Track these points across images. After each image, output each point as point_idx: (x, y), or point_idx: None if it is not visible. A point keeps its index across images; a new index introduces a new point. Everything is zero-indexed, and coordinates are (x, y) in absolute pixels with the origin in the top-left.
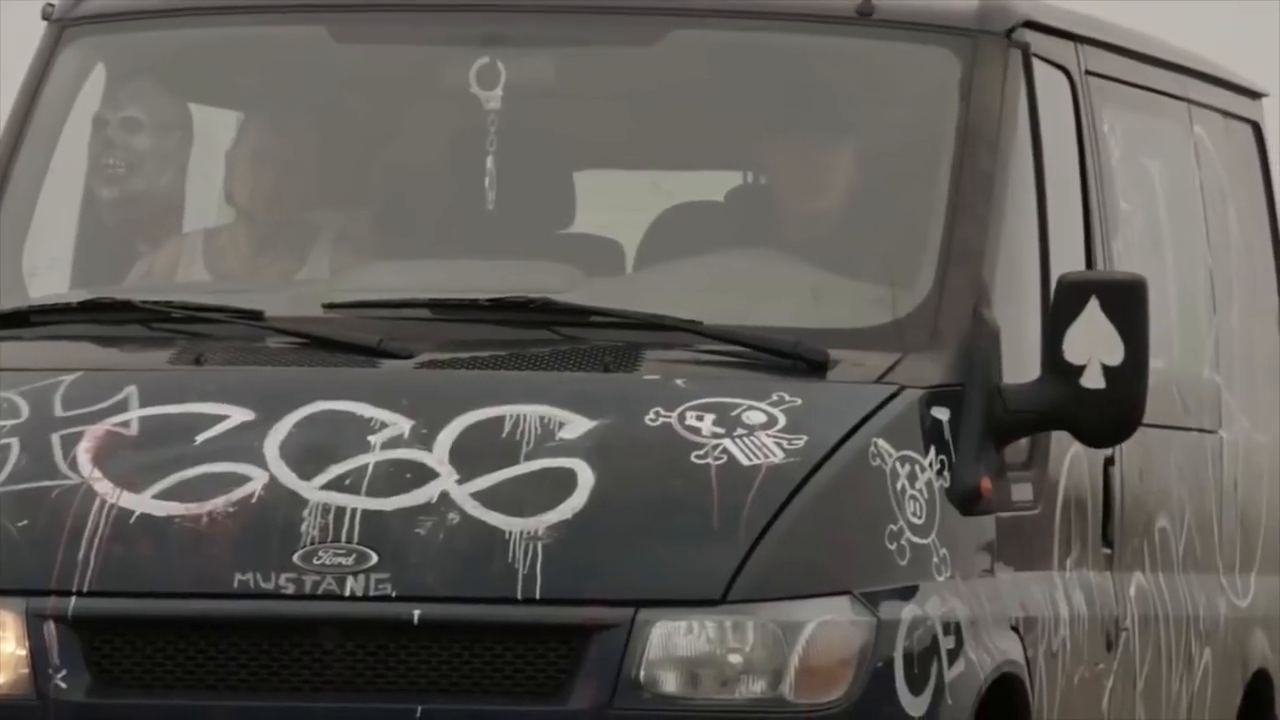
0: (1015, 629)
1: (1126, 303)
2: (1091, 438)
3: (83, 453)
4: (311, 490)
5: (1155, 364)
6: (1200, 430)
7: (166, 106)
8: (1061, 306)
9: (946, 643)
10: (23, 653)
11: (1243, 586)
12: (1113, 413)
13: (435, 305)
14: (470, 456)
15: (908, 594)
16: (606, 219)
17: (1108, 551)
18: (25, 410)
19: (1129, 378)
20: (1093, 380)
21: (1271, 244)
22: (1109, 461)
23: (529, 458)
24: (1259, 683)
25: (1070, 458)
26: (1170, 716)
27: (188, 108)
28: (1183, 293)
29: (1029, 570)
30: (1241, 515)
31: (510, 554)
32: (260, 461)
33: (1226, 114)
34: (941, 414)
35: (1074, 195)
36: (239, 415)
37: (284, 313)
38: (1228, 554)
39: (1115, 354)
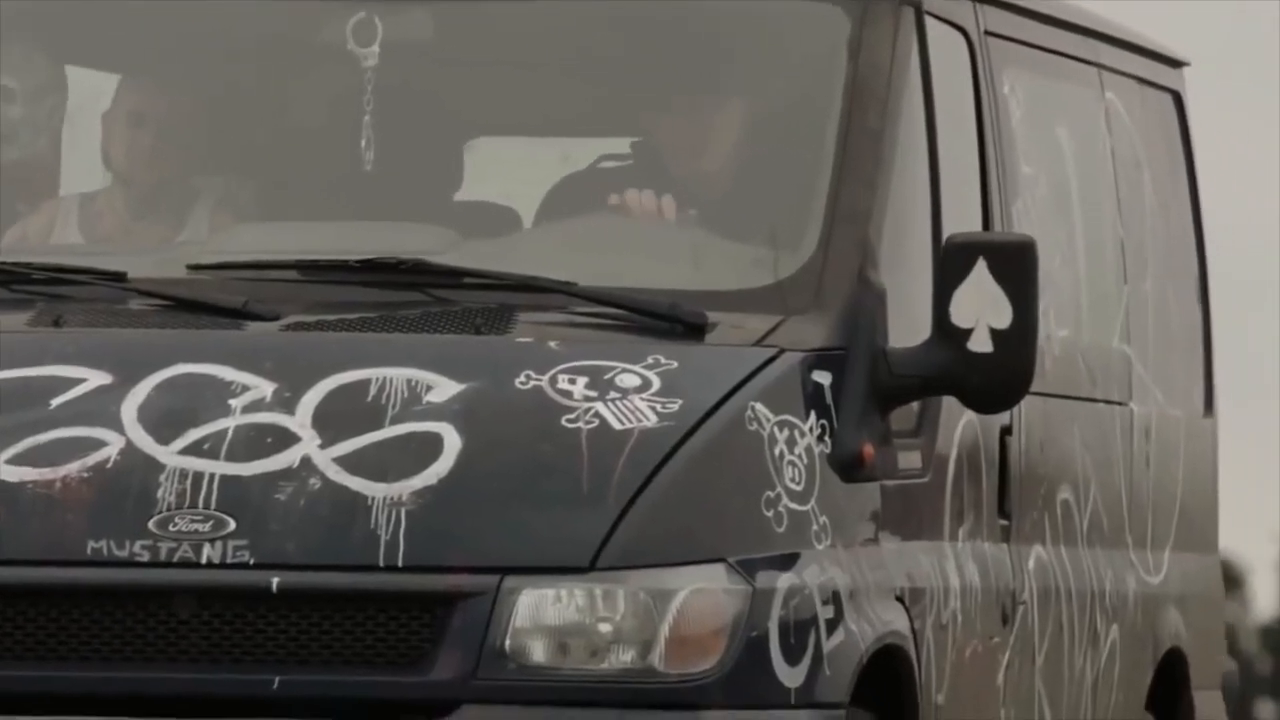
0: (900, 600)
1: (1015, 265)
2: (978, 403)
3: None
4: (169, 455)
5: (1061, 333)
6: (1108, 402)
7: (40, 71)
8: (948, 268)
9: (825, 613)
10: None
11: (1155, 563)
12: (1000, 377)
13: (303, 267)
14: (334, 420)
15: (785, 562)
16: (508, 188)
17: (1004, 523)
18: None
19: (1017, 342)
20: (980, 344)
21: (1191, 214)
22: (1006, 430)
23: (394, 422)
24: (1172, 662)
25: (963, 425)
26: (1073, 694)
27: (63, 71)
28: (1092, 261)
29: (917, 540)
30: (1154, 490)
31: (372, 520)
32: (117, 425)
33: (1143, 81)
34: (823, 378)
35: (971, 157)
36: (96, 378)
37: (149, 275)
38: (1138, 529)
39: (1003, 317)
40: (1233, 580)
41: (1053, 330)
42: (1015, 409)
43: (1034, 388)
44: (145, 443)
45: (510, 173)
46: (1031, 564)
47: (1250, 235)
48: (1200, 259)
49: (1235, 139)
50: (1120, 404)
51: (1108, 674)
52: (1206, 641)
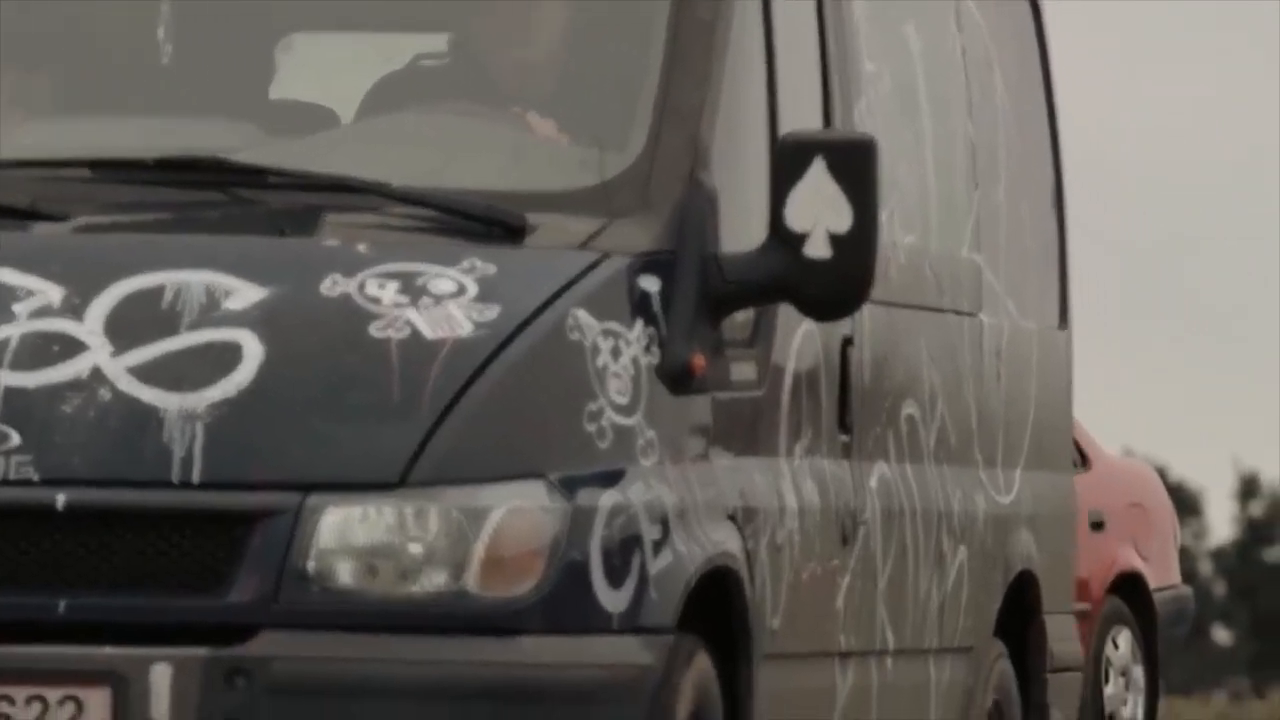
0: (733, 519)
1: (854, 164)
2: (816, 310)
3: None
4: None
5: (906, 239)
6: (957, 312)
7: None
8: (784, 168)
9: (651, 532)
10: None
11: (1005, 482)
12: (838, 284)
13: (96, 165)
14: (126, 327)
15: (608, 479)
16: (329, 90)
17: (845, 439)
18: None
19: (856, 246)
20: (818, 249)
21: (1046, 119)
22: (848, 341)
23: (191, 329)
24: (1022, 585)
25: (801, 335)
26: (918, 619)
27: None
28: (940, 164)
29: (751, 456)
30: (1006, 406)
31: (166, 434)
32: None
33: None
34: (650, 284)
35: (810, 53)
36: None
37: None
38: (988, 447)
39: (842, 220)
40: (1188, 506)
41: (897, 236)
42: (857, 319)
43: (878, 296)
44: None
45: (330, 75)
46: (874, 482)
47: (1108, 141)
48: (1055, 165)
49: (1094, 41)
50: (970, 315)
51: (954, 598)
52: (1058, 564)
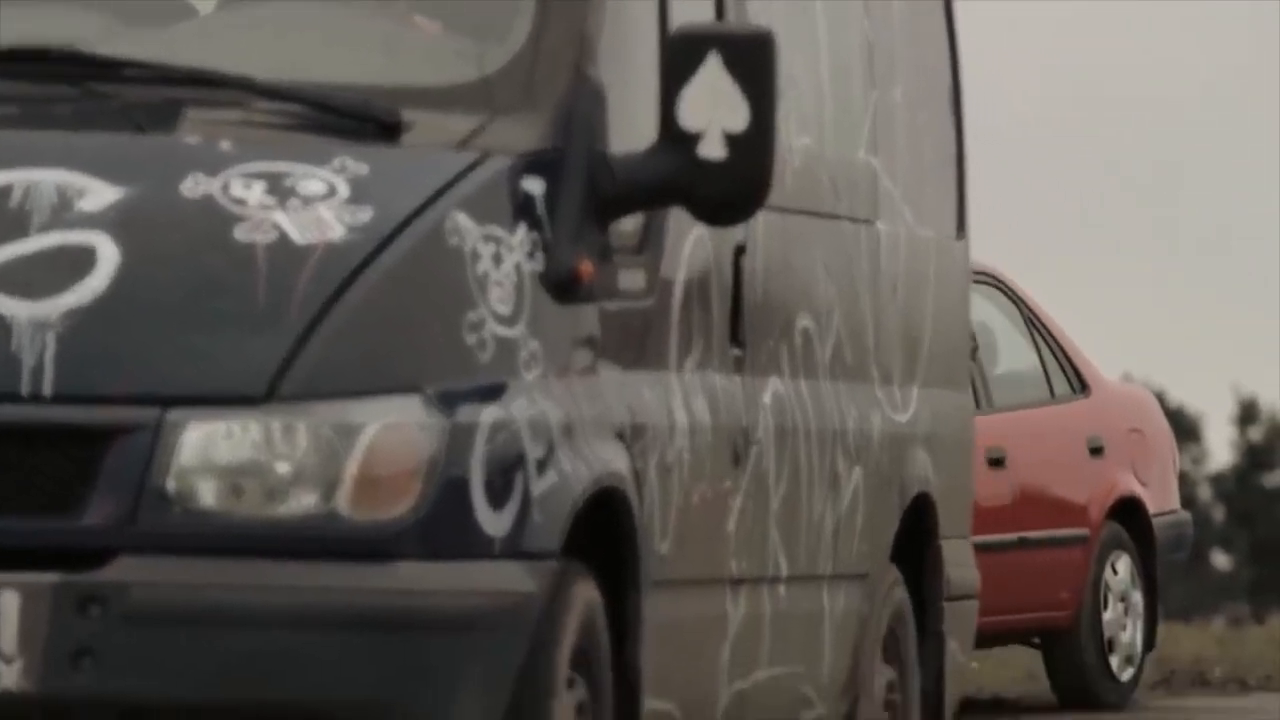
0: (621, 437)
1: (751, 60)
2: (710, 214)
3: None
4: None
5: (802, 141)
6: (853, 220)
7: None
8: (676, 63)
9: (535, 451)
10: None
11: (902, 400)
12: (734, 186)
13: None
14: None
15: (489, 394)
16: None
17: (738, 353)
18: None
19: (753, 146)
20: (712, 149)
21: (944, 19)
22: (740, 249)
23: (41, 231)
24: (919, 509)
25: (692, 242)
26: (811, 544)
27: None
28: (836, 63)
29: (640, 370)
30: (903, 318)
31: (15, 343)
32: None
33: None
34: (534, 186)
35: None
36: None
37: None
38: (884, 362)
39: (738, 119)
40: (1187, 431)
41: (793, 138)
42: (750, 226)
43: (772, 202)
44: None
45: None
46: (767, 398)
47: (1097, 65)
48: (953, 67)
49: None
50: (866, 222)
51: (849, 522)
52: (956, 486)
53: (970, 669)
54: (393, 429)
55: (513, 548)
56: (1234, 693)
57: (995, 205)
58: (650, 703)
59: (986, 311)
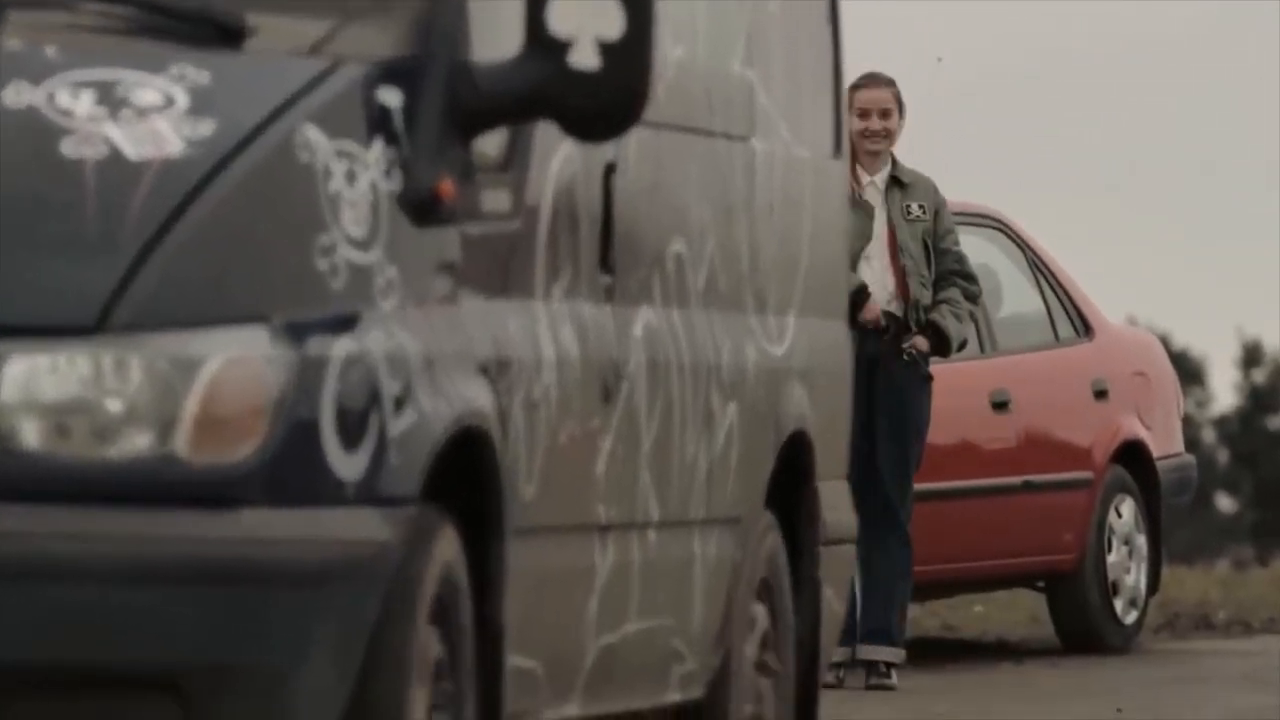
0: (484, 372)
1: None
2: (582, 129)
3: None
4: None
5: (675, 52)
6: (728, 136)
7: None
8: None
9: (392, 387)
10: None
11: (778, 330)
12: (608, 99)
13: None
14: None
15: (342, 325)
16: None
17: (607, 280)
18: None
19: (629, 55)
20: (584, 58)
21: None
22: (611, 168)
23: None
24: (795, 448)
25: (560, 160)
26: (684, 487)
27: None
28: None
29: (504, 299)
30: (779, 243)
31: None
32: None
33: None
34: (391, 97)
35: None
36: None
37: None
38: (760, 290)
39: (612, 26)
40: (1191, 374)
41: (666, 48)
42: (621, 143)
43: (644, 116)
44: None
45: None
46: (638, 330)
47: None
48: None
49: None
50: (741, 140)
51: (723, 463)
52: (833, 423)
53: (975, 612)
54: (236, 363)
55: (367, 493)
56: (1238, 635)
57: (1000, 147)
58: (513, 660)
59: (990, 254)
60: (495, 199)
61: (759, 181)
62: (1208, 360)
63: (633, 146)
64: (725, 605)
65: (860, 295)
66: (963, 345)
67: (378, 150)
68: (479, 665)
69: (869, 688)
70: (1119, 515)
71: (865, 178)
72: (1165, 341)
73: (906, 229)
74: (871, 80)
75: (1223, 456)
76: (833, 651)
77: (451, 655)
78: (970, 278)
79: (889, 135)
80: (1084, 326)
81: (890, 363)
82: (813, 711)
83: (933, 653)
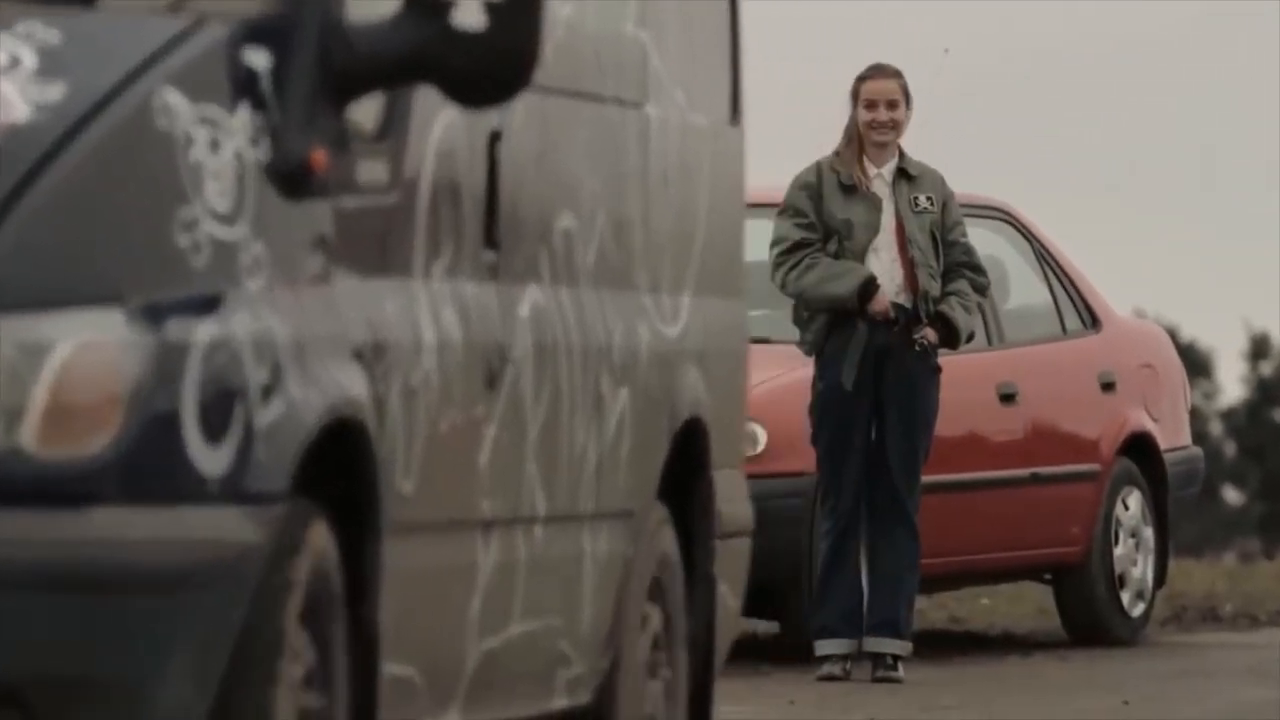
0: (359, 357)
1: None
2: (465, 94)
3: None
4: None
5: (563, 9)
6: (620, 102)
7: None
8: None
9: (259, 375)
10: None
11: (672, 310)
12: (493, 62)
13: None
14: None
15: (205, 307)
16: None
17: (492, 257)
18: None
19: (516, 15)
20: (468, 17)
21: None
22: (496, 136)
23: None
24: (689, 435)
25: (442, 127)
26: (573, 478)
27: None
28: None
29: (381, 278)
30: (674, 216)
31: None
32: None
33: None
34: (258, 58)
35: None
36: None
37: None
38: (653, 267)
39: None
40: (1199, 366)
41: (554, 7)
42: (507, 109)
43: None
44: None
45: None
46: (525, 310)
47: None
48: None
49: None
50: (634, 105)
51: (614, 452)
52: (729, 409)
53: (982, 604)
54: (89, 348)
55: (232, 490)
56: (1245, 628)
57: (1006, 141)
58: (388, 667)
59: (997, 246)
60: (371, 170)
61: (653, 150)
62: (1215, 353)
63: (519, 113)
64: (615, 604)
65: (869, 287)
66: (970, 337)
67: (244, 116)
68: (352, 672)
69: (875, 680)
70: (1126, 508)
71: (872, 169)
72: (1172, 334)
73: (914, 221)
74: (878, 71)
75: (1230, 449)
76: (727, 651)
77: (323, 662)
78: (978, 270)
79: (896, 127)
80: (1091, 319)
81: (899, 354)
82: (707, 715)
83: (939, 645)
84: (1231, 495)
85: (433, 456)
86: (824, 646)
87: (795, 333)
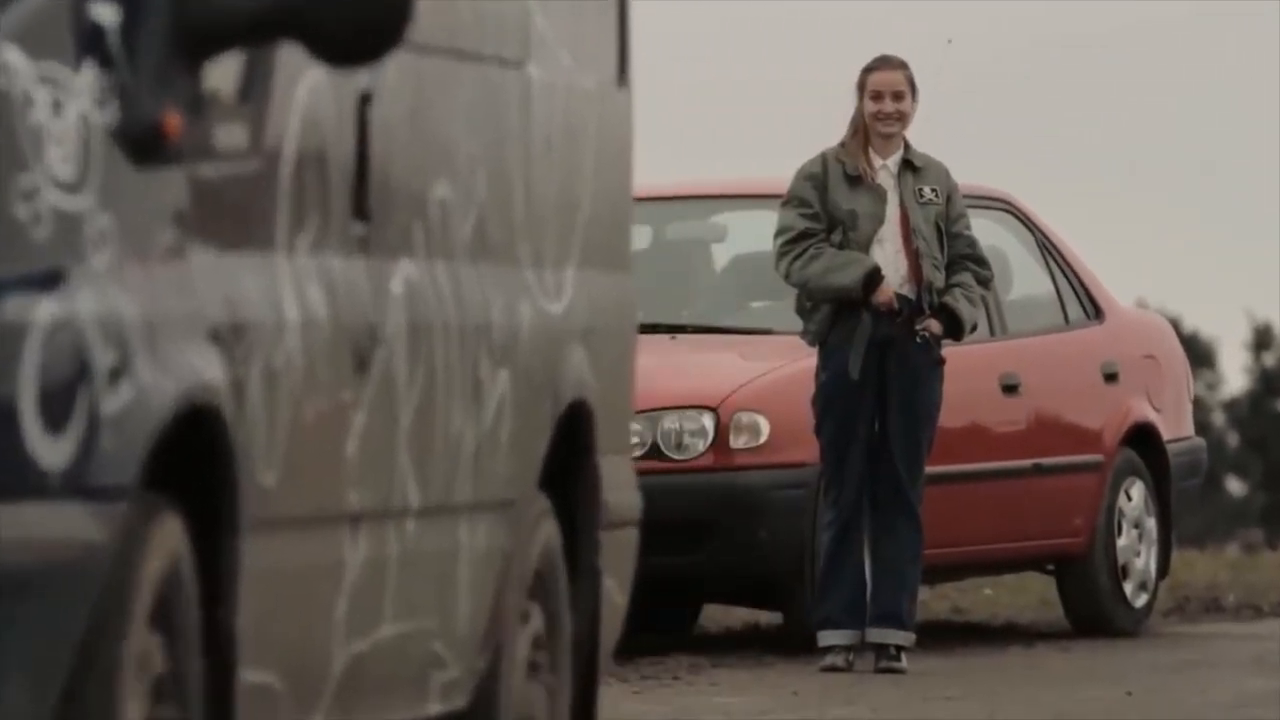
0: (216, 339)
1: None
2: (332, 53)
3: None
4: None
5: None
6: (500, 62)
7: None
8: None
9: (105, 358)
10: None
11: (555, 286)
12: (364, 18)
13: None
14: None
15: (46, 283)
16: None
17: (362, 228)
18: None
19: None
20: None
21: None
22: (366, 98)
23: None
24: (575, 419)
25: (307, 89)
26: (449, 467)
27: None
28: None
29: (240, 252)
30: (558, 184)
31: None
32: None
33: None
34: (105, 13)
35: None
36: None
37: None
38: (536, 238)
39: None
40: (1201, 357)
41: None
42: (378, 69)
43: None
44: None
45: None
46: (397, 287)
47: None
48: None
49: None
50: (516, 66)
51: (493, 439)
52: (616, 391)
53: (985, 595)
54: None
55: (75, 484)
56: (1247, 619)
57: (1011, 132)
58: (246, 674)
59: (1000, 237)
60: (229, 135)
61: (536, 114)
62: (1218, 343)
63: (391, 73)
64: (494, 602)
65: (874, 278)
66: (974, 328)
67: (89, 76)
68: (208, 680)
69: (878, 671)
70: (1129, 498)
71: (878, 161)
72: (1175, 324)
73: (919, 212)
74: (884, 62)
75: (1233, 440)
76: (613, 650)
77: (175, 670)
78: (982, 262)
79: (902, 118)
80: (1094, 309)
81: (903, 346)
82: (591, 718)
83: (942, 636)
84: (1234, 486)
85: (296, 446)
86: (827, 637)
87: (797, 323)
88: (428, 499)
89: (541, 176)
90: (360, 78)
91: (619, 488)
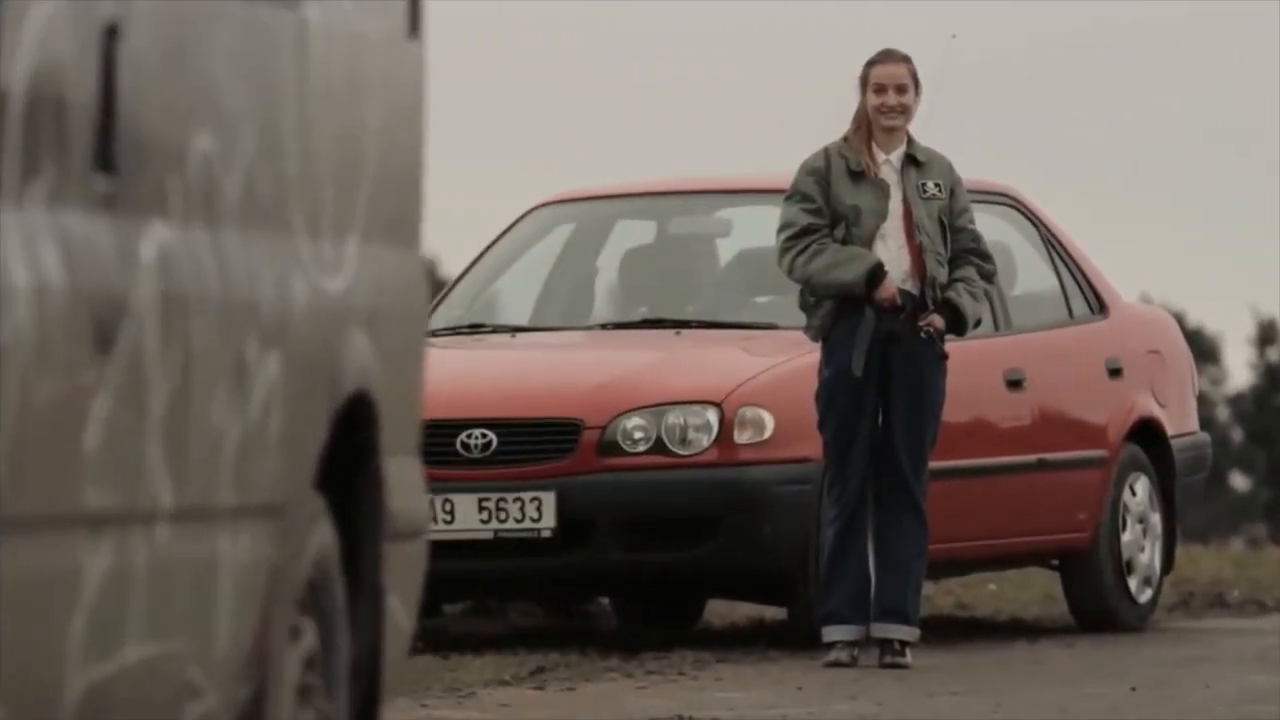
0: None
1: None
2: None
3: None
4: None
5: None
6: (272, 1)
7: None
8: None
9: None
10: None
11: (335, 258)
12: None
13: None
14: None
15: None
16: None
17: (108, 184)
18: None
19: None
20: None
21: None
22: (112, 32)
23: None
24: (356, 413)
25: (41, 22)
26: (208, 465)
27: None
28: None
29: None
30: (338, 142)
31: None
32: None
33: None
34: None
35: None
36: None
37: None
38: (311, 204)
39: None
40: (1206, 352)
41: None
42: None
43: None
44: None
45: None
46: (149, 252)
47: None
48: None
49: None
50: (289, 6)
51: (260, 432)
52: (405, 381)
53: (989, 590)
54: None
55: None
56: (1252, 614)
57: (1015, 126)
58: None
59: (1004, 232)
60: None
61: (313, 59)
62: (1222, 338)
63: (143, 4)
64: (259, 620)
65: (877, 273)
66: (977, 324)
67: None
68: None
69: (883, 666)
70: (1133, 494)
71: (881, 155)
72: (1180, 319)
73: (922, 207)
74: (888, 56)
75: (1237, 435)
76: (398, 673)
77: None
78: (986, 256)
79: (905, 111)
80: (1098, 304)
81: (906, 341)
82: None
83: (946, 631)
84: (1239, 481)
85: (25, 435)
86: (831, 633)
87: (801, 318)
88: (182, 500)
89: (319, 132)
90: (105, 7)
91: (406, 493)
